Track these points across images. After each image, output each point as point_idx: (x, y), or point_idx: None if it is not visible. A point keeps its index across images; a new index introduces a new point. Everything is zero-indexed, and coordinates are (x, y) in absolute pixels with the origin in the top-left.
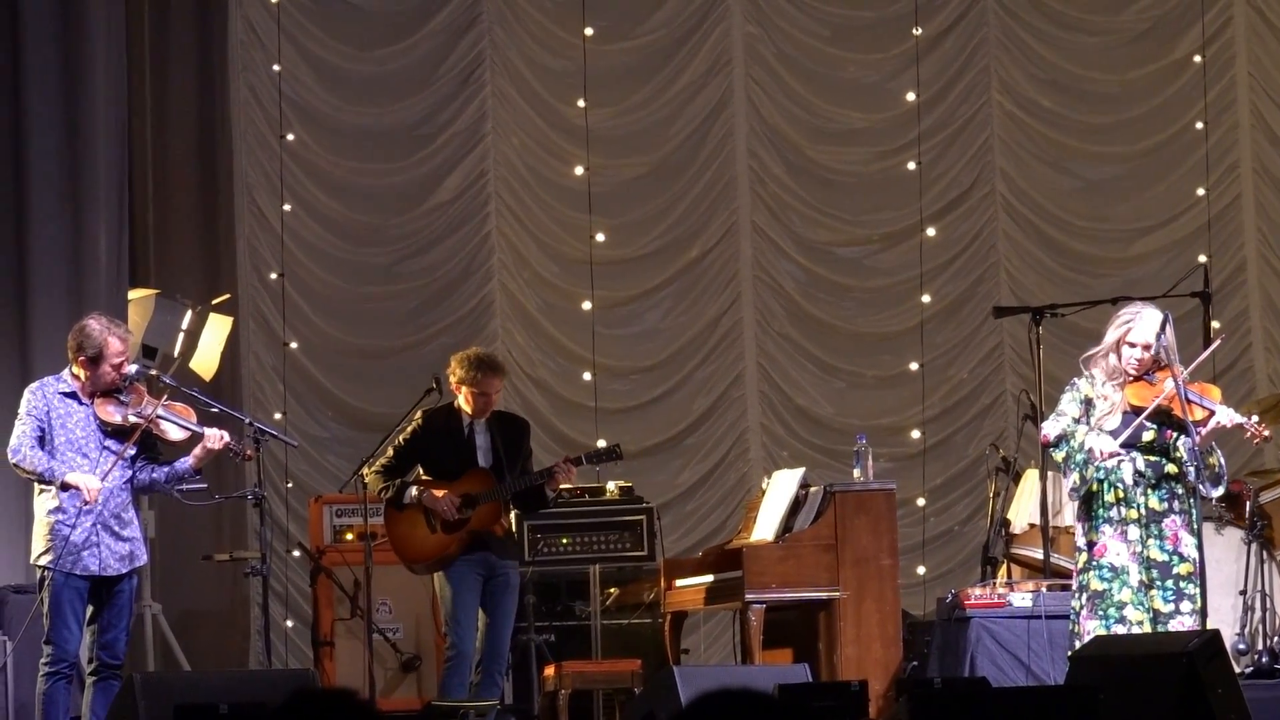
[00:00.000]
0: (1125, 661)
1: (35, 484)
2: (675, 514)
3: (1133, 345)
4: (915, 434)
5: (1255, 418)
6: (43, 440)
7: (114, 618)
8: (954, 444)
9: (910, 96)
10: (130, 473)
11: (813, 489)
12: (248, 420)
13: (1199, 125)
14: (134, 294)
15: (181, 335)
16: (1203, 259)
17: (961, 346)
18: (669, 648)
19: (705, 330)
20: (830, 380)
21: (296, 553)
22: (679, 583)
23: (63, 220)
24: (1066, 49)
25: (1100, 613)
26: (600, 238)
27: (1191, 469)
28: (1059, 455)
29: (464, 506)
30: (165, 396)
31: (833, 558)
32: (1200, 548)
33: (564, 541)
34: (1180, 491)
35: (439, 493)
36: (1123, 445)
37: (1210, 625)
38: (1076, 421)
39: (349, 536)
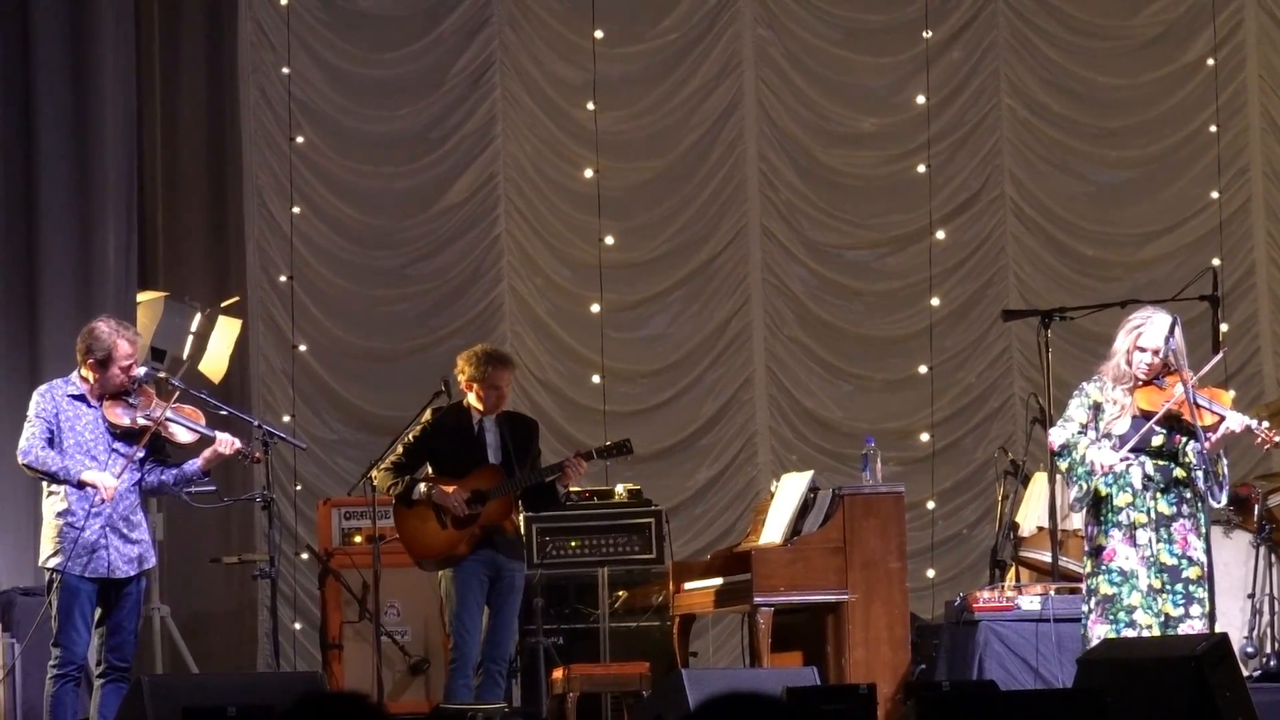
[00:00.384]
0: (1133, 665)
1: (44, 487)
2: (684, 517)
3: (1142, 350)
4: (924, 437)
5: (1265, 423)
6: (51, 442)
7: (122, 620)
8: (963, 447)
9: (920, 100)
10: (139, 475)
11: (821, 492)
12: (256, 423)
13: (1212, 128)
14: (143, 296)
15: (190, 338)
16: (1216, 262)
17: (970, 350)
18: (677, 651)
19: (714, 333)
20: (839, 383)
21: (305, 555)
22: (688, 586)
23: (72, 223)
24: (1077, 52)
25: (1110, 617)
26: (609, 240)
27: (1200, 474)
28: (1062, 465)
29: (473, 502)
30: (174, 399)
31: (841, 561)
32: (1209, 551)
33: (573, 544)
34: (1189, 496)
35: (448, 488)
36: (1132, 450)
37: (1219, 629)
38: (1084, 427)
39: (357, 539)
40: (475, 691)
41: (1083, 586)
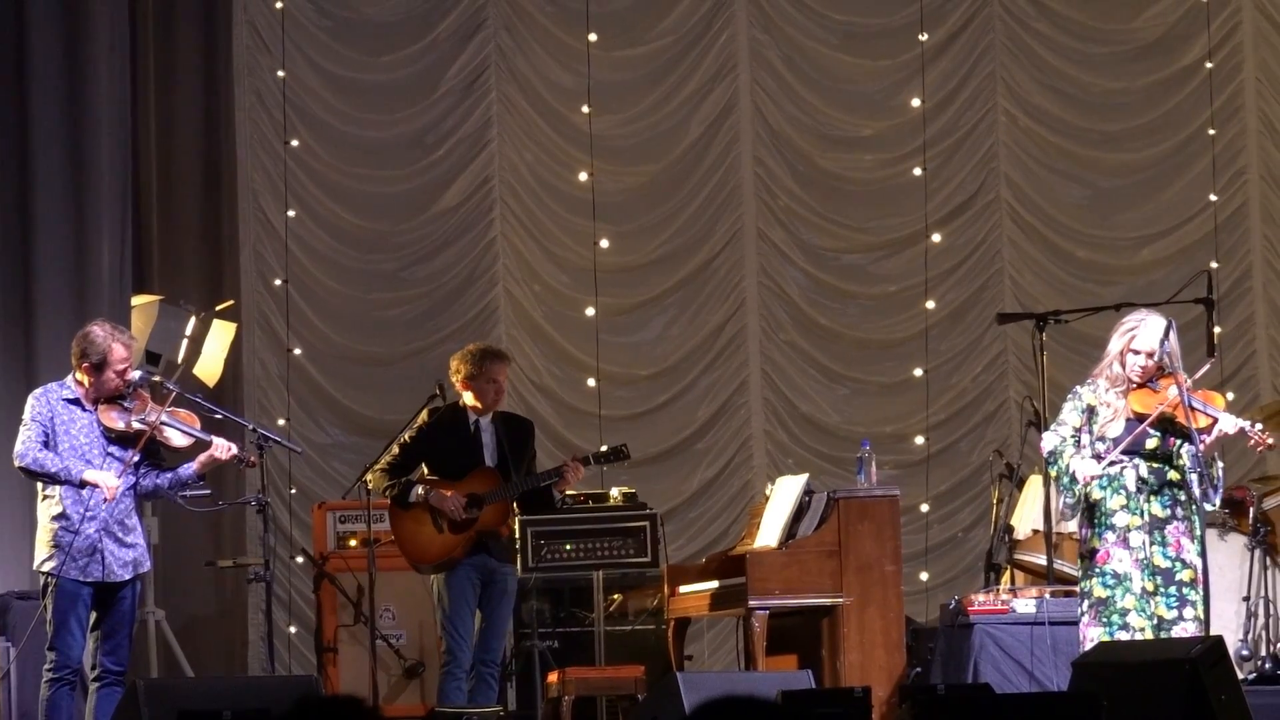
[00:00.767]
0: (1129, 668)
1: (40, 491)
2: (680, 521)
3: (1136, 352)
4: (919, 440)
5: (1259, 425)
6: (47, 446)
7: (117, 624)
8: (958, 450)
9: (915, 103)
10: (134, 479)
11: (816, 495)
12: (251, 426)
13: (1210, 132)
14: (138, 300)
15: (185, 341)
16: (1214, 265)
17: (966, 353)
18: (673, 654)
19: (710, 337)
20: (835, 387)
21: (300, 559)
22: (682, 589)
23: (67, 227)
24: (1073, 56)
25: (1104, 619)
26: (604, 244)
27: (1194, 476)
28: (1052, 472)
29: (470, 506)
30: (169, 403)
31: (836, 564)
32: (1203, 554)
33: (567, 548)
34: (1183, 498)
35: (446, 492)
36: (1125, 452)
37: (1213, 631)
38: (1077, 431)
39: (352, 543)
40: (469, 694)
41: (1077, 589)
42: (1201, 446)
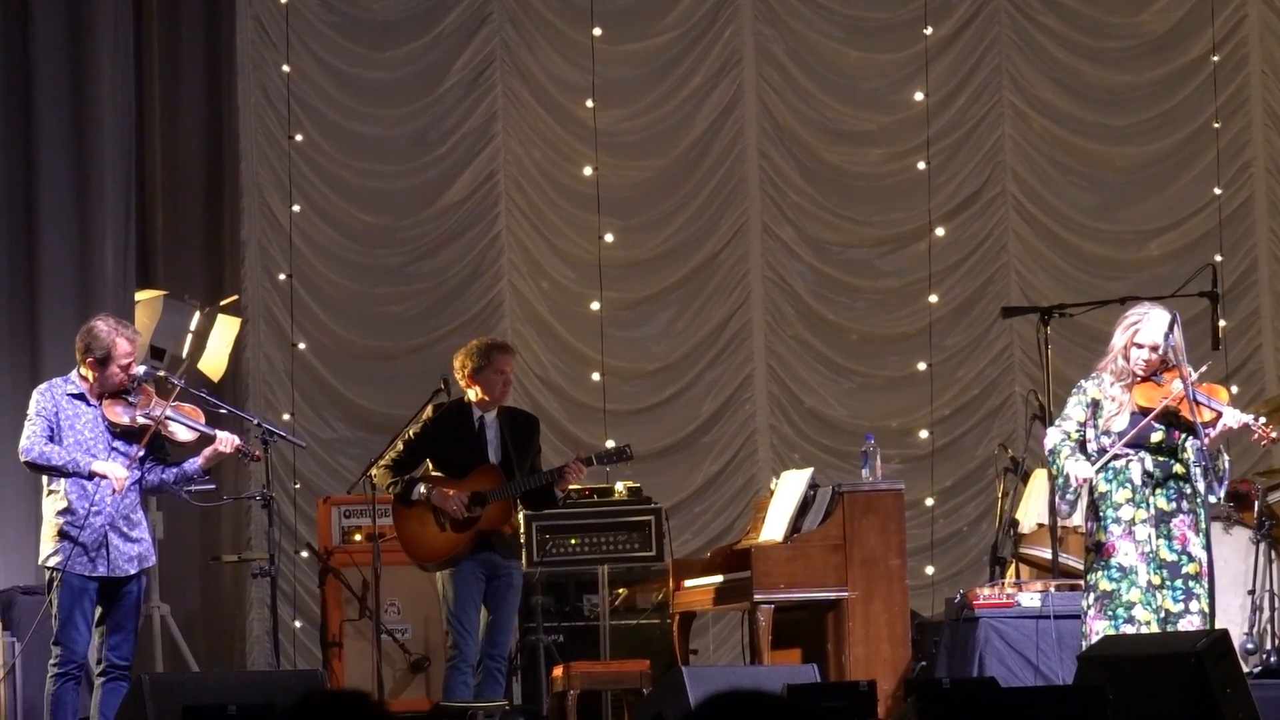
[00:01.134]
0: (1134, 661)
1: (45, 485)
2: (685, 515)
3: (1140, 346)
4: (924, 434)
5: (1263, 419)
6: (52, 440)
7: (122, 619)
8: (964, 444)
9: (919, 97)
10: (139, 474)
11: (821, 489)
12: (256, 421)
13: (1216, 125)
14: (142, 295)
15: (190, 336)
16: (1218, 258)
17: (972, 347)
18: (678, 648)
19: (715, 331)
20: (840, 381)
21: (305, 553)
22: (688, 583)
23: (71, 222)
24: (1080, 49)
25: (1109, 613)
26: (609, 238)
27: (1199, 470)
28: (1052, 470)
29: (473, 505)
30: (173, 397)
31: (841, 558)
32: (1208, 547)
33: (573, 542)
34: (1188, 491)
35: (449, 491)
36: (1130, 445)
37: (1218, 625)
38: (1082, 426)
39: (357, 537)
40: (475, 689)
41: (1082, 582)
42: (1206, 440)
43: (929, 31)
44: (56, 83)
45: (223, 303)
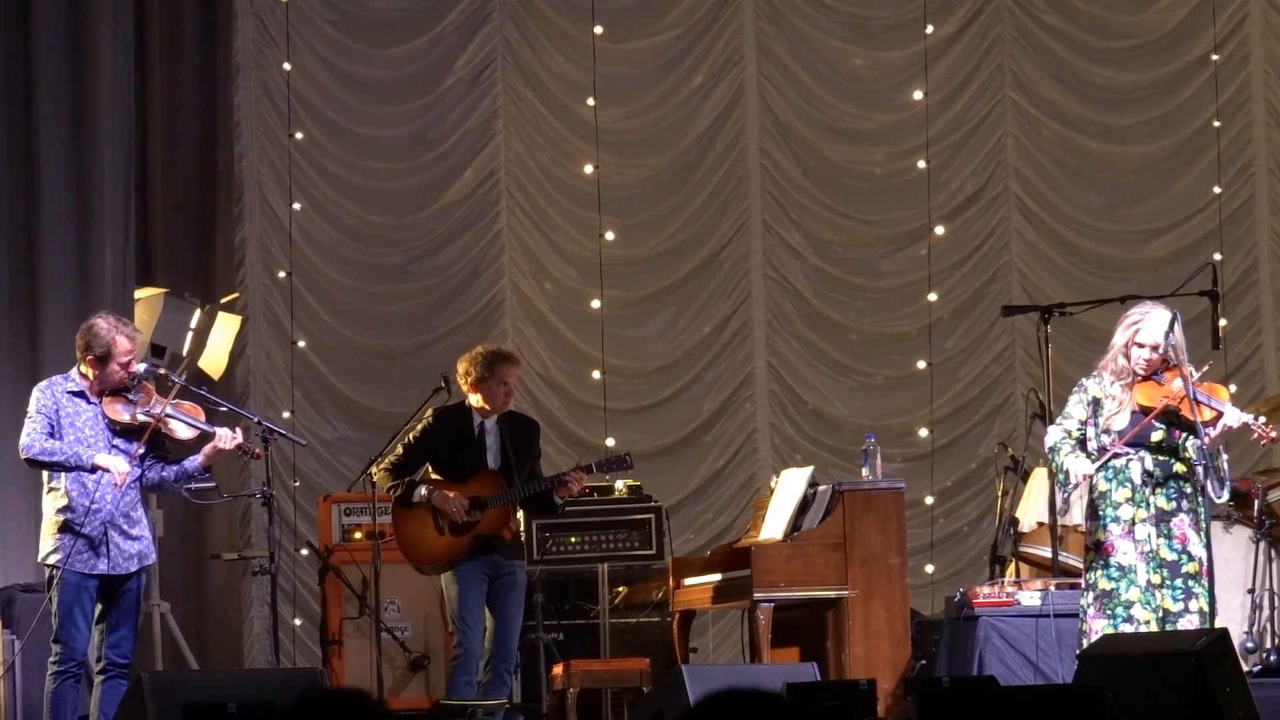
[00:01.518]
0: (1133, 660)
1: (45, 483)
2: (686, 513)
3: (1141, 345)
4: (923, 433)
5: (1262, 418)
6: (52, 437)
7: (121, 617)
8: (966, 443)
9: (918, 96)
10: (139, 471)
11: (821, 488)
12: (256, 419)
13: (1216, 124)
14: (142, 293)
15: (190, 334)
16: (1218, 257)
17: (973, 347)
18: (677, 646)
19: (716, 330)
20: (841, 380)
21: (305, 551)
22: (687, 582)
23: (71, 219)
24: (1082, 48)
25: (1108, 612)
26: (610, 236)
27: (1200, 469)
28: (1053, 467)
29: (473, 509)
30: (173, 395)
31: (841, 557)
32: (1208, 546)
33: (573, 540)
34: (1188, 490)
35: (449, 493)
36: (1131, 444)
37: (1218, 624)
38: (1083, 424)
39: (357, 535)
40: (482, 690)
41: (1082, 581)
42: (1206, 440)
43: (930, 30)
44: (57, 81)
45: (223, 300)
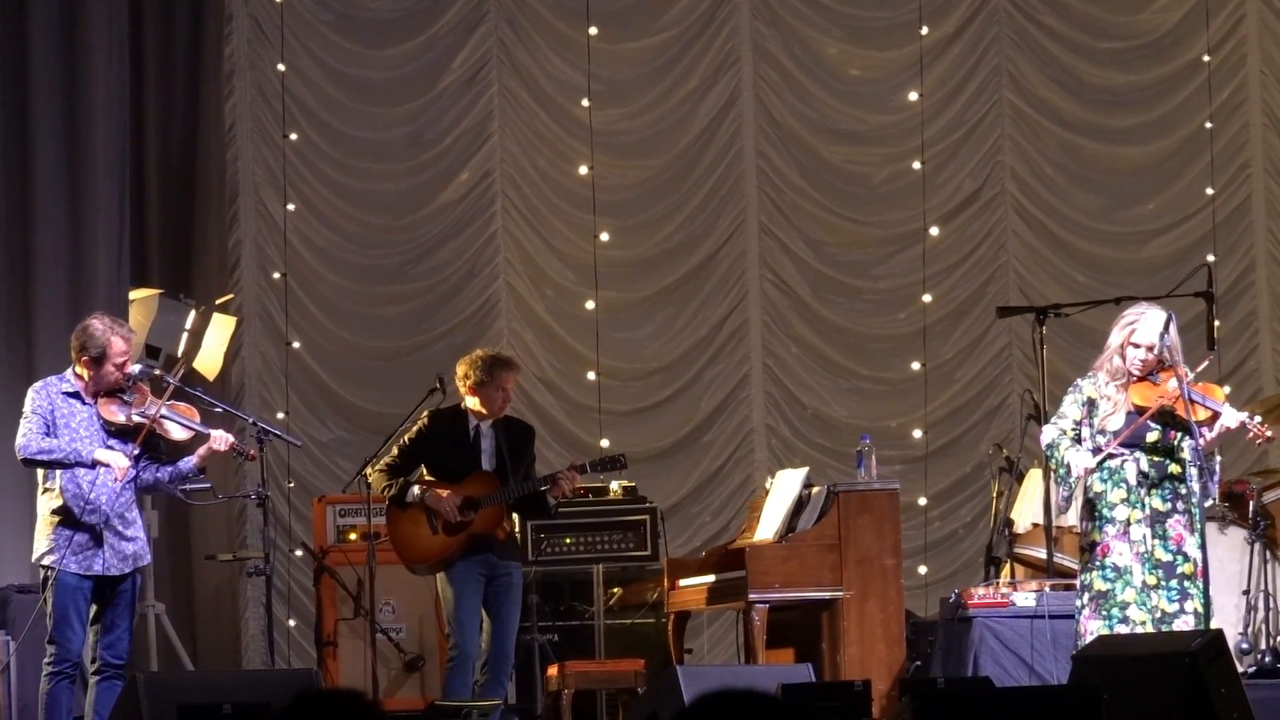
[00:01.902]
0: (1129, 661)
1: (40, 483)
2: (682, 515)
3: (1136, 346)
4: (917, 434)
5: (1258, 418)
6: (48, 437)
7: (116, 617)
8: (963, 445)
9: (913, 97)
10: (134, 472)
11: (816, 489)
12: (251, 420)
13: (1207, 125)
14: (137, 294)
15: (185, 335)
16: (1211, 258)
17: (971, 347)
18: (672, 647)
19: (712, 331)
20: (838, 381)
21: (299, 552)
22: (682, 583)
23: (65, 220)
24: (1079, 49)
25: (1103, 613)
26: (605, 237)
27: (1194, 470)
28: (1050, 464)
29: (466, 509)
30: (167, 396)
31: (836, 557)
32: (1204, 547)
33: (567, 541)
34: (1183, 491)
35: (442, 492)
36: (1126, 445)
37: (1213, 625)
38: (1078, 424)
39: (352, 536)
40: (479, 691)
41: (1077, 582)
42: (1203, 441)
43: (924, 32)
44: (51, 81)
45: (218, 301)
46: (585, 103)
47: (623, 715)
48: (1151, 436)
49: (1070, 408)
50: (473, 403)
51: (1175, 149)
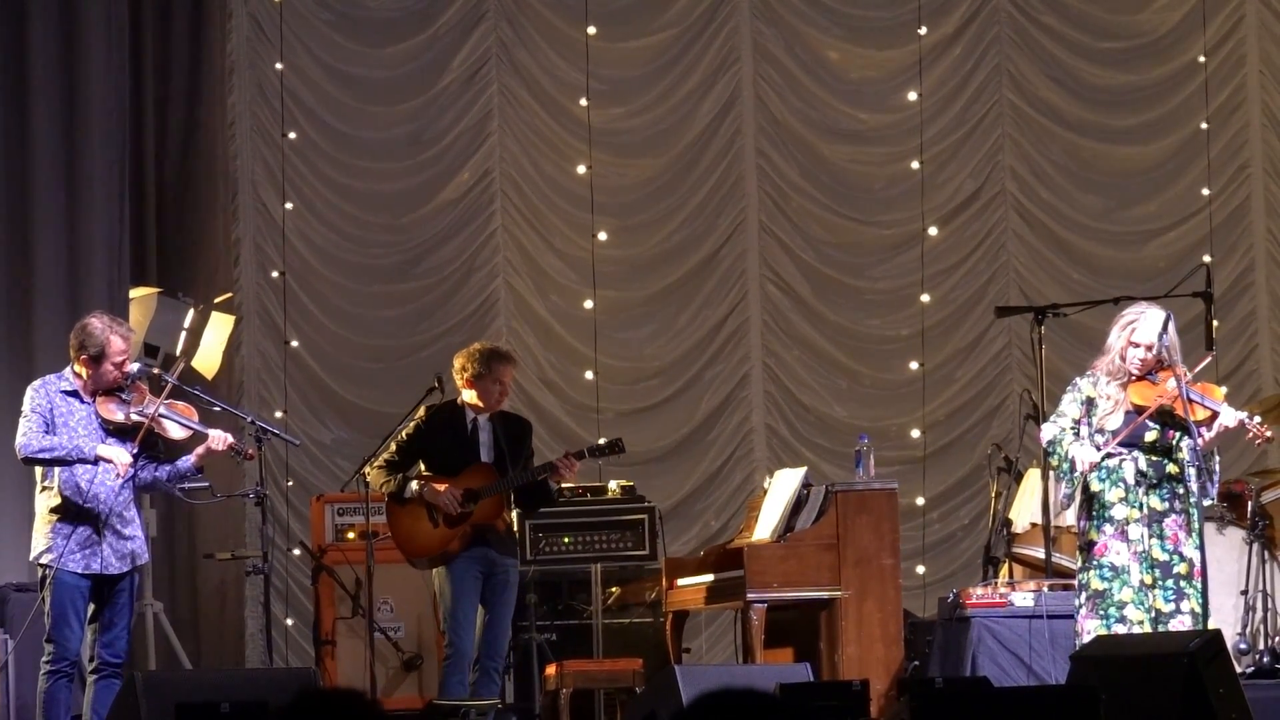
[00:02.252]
0: (1127, 661)
1: (38, 482)
2: (682, 515)
3: (1135, 345)
4: (915, 434)
5: (1257, 418)
6: (48, 435)
7: (115, 616)
8: (963, 444)
9: (913, 97)
10: (133, 471)
11: (814, 488)
12: (250, 418)
13: (1203, 125)
14: (136, 292)
15: (184, 333)
16: (1207, 259)
17: (971, 347)
18: (670, 647)
19: (712, 331)
20: (838, 381)
21: (298, 551)
22: (680, 582)
23: (64, 218)
24: (1079, 49)
25: (1101, 612)
26: (602, 236)
27: (1193, 470)
28: (1052, 460)
29: (466, 500)
30: (166, 395)
31: (834, 557)
32: (1201, 547)
33: (566, 540)
34: (1181, 491)
35: (440, 486)
36: (1124, 444)
37: (1211, 625)
38: (1076, 423)
39: (351, 535)
40: (471, 689)
41: (1074, 582)
42: (1202, 441)
43: (923, 31)
44: (50, 80)
45: (217, 300)
46: (585, 102)
47: (621, 714)
48: (1150, 436)
49: (1069, 406)
50: (470, 396)
51: (1175, 149)
